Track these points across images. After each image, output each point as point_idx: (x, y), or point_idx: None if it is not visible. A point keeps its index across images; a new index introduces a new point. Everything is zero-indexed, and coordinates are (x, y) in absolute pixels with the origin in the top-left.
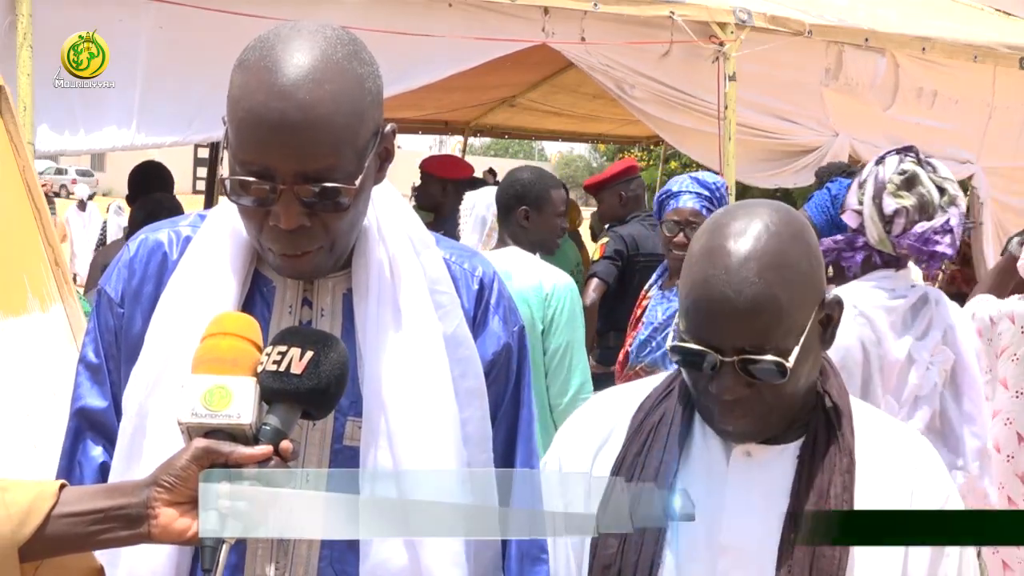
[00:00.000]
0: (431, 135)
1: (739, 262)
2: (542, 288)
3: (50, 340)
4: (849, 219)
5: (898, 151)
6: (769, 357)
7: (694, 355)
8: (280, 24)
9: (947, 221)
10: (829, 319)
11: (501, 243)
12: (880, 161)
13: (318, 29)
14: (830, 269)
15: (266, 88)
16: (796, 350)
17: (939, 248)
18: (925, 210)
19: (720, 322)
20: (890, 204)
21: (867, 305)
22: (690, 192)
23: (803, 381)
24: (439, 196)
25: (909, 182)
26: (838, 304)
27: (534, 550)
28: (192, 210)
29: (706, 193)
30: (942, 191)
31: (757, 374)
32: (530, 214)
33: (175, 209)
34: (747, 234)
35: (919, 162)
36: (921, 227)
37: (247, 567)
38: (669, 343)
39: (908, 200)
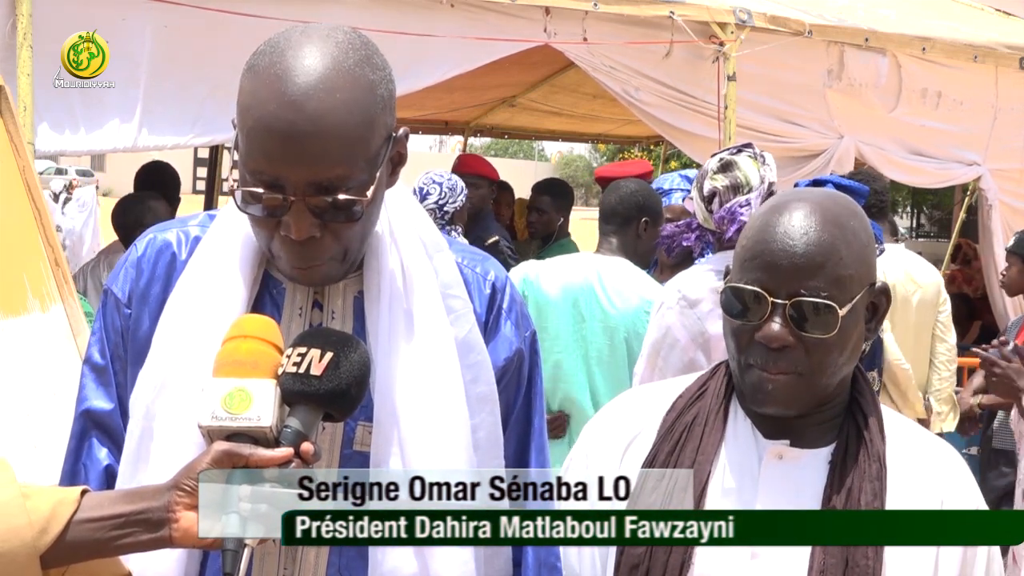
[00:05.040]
0: (431, 135)
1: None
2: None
3: (50, 340)
4: (688, 206)
5: (736, 147)
6: (821, 300)
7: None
8: (291, 27)
9: (748, 198)
10: (875, 307)
11: (606, 251)
12: (713, 155)
13: (329, 34)
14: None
15: (277, 97)
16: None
17: (742, 218)
18: (738, 190)
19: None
20: (707, 186)
21: (690, 289)
22: (681, 190)
23: (849, 366)
24: (488, 198)
25: (725, 167)
26: (884, 294)
27: (551, 559)
28: (198, 211)
29: None
30: (760, 178)
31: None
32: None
33: (161, 217)
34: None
35: (753, 155)
36: (730, 203)
37: (254, 573)
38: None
39: (721, 182)
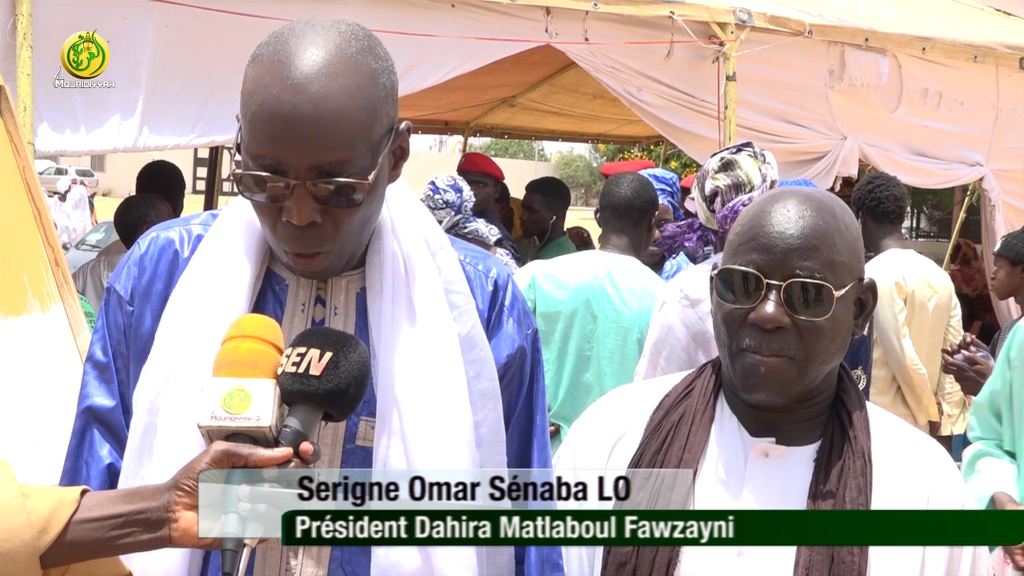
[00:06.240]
0: (431, 135)
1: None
2: None
3: (50, 340)
4: (689, 206)
5: (735, 147)
6: (816, 281)
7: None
8: (295, 20)
9: (751, 196)
10: (863, 304)
11: (614, 248)
12: (714, 155)
13: (332, 25)
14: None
15: (280, 82)
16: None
17: None
18: (740, 189)
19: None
20: (709, 185)
21: (692, 289)
22: (658, 191)
23: (837, 357)
24: (493, 196)
25: (726, 166)
26: (871, 291)
27: (553, 556)
28: (197, 211)
29: (668, 189)
30: (762, 176)
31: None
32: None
33: (164, 218)
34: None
35: (753, 154)
36: (732, 202)
37: (256, 568)
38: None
39: (723, 181)
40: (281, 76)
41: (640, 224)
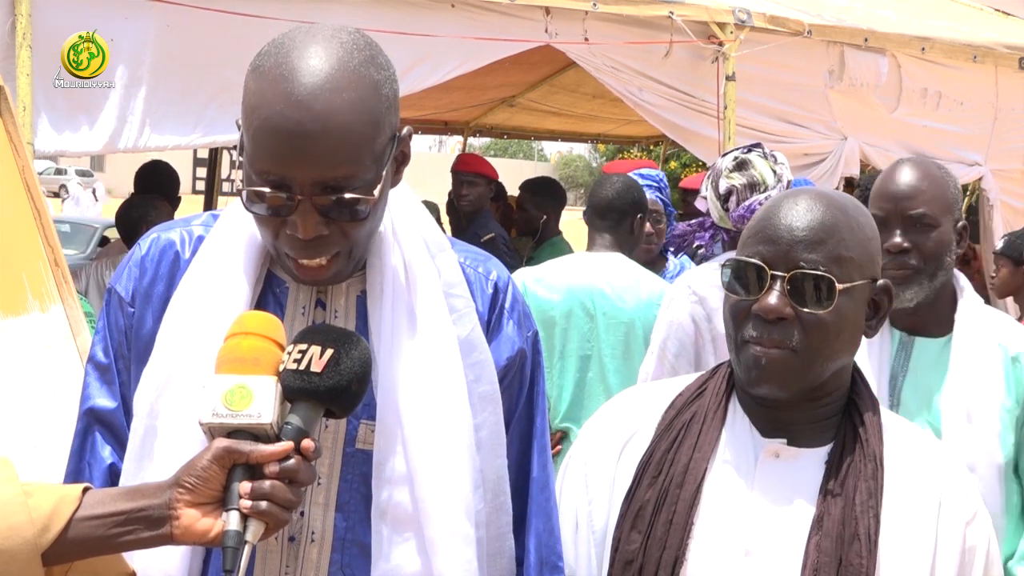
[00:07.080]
0: (431, 135)
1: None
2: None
3: (50, 340)
4: (699, 204)
5: (746, 147)
6: (820, 273)
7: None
8: (295, 28)
9: (768, 195)
10: (877, 306)
11: (601, 248)
12: (724, 155)
13: (334, 34)
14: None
15: (283, 97)
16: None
17: None
18: (755, 188)
19: None
20: (723, 184)
21: (700, 285)
22: (647, 187)
23: (844, 355)
24: (487, 196)
25: (740, 166)
26: (886, 292)
27: (552, 558)
28: (197, 211)
29: (655, 184)
30: (777, 176)
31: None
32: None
33: (164, 218)
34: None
35: (763, 155)
36: (748, 201)
37: (256, 570)
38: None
39: (738, 180)
40: (284, 92)
41: (621, 224)
